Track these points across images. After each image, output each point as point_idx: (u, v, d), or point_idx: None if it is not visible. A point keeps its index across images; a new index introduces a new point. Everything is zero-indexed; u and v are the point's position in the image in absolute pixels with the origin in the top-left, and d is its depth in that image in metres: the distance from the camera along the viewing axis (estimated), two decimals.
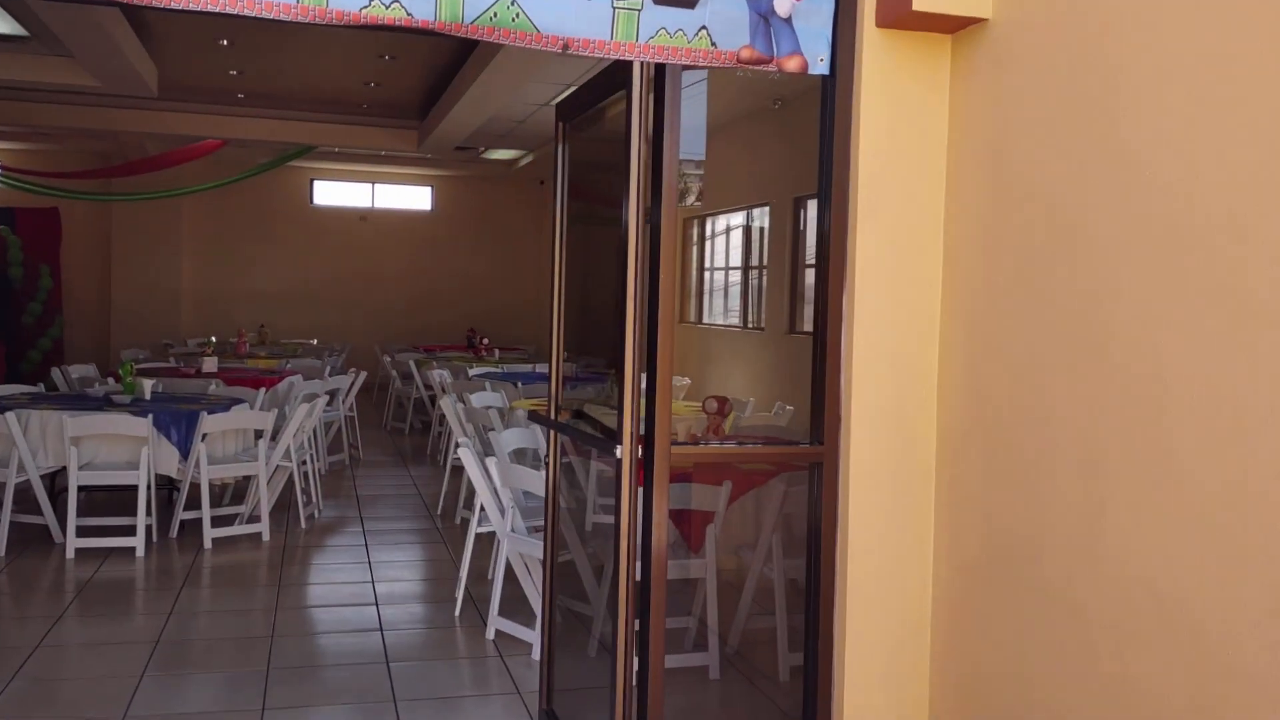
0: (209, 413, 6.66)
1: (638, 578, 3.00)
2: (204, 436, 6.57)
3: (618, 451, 2.98)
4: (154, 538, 6.59)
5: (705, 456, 3.93)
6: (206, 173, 15.94)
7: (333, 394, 9.43)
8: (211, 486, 6.67)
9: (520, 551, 4.90)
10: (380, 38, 10.20)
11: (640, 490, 2.99)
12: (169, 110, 13.05)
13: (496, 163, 16.37)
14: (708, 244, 12.46)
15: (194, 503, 6.70)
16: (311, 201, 17.15)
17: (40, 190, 14.53)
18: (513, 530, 4.89)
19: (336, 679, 4.40)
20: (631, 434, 2.99)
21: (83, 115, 12.75)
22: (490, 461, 4.93)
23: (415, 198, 17.67)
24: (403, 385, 12.48)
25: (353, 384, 9.70)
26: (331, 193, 17.29)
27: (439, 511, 7.75)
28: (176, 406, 6.84)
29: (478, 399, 8.23)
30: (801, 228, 9.88)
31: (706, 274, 12.45)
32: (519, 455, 6.18)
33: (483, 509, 5.13)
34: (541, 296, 17.86)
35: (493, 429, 6.80)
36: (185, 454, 6.63)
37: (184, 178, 15.86)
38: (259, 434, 7.13)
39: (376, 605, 5.44)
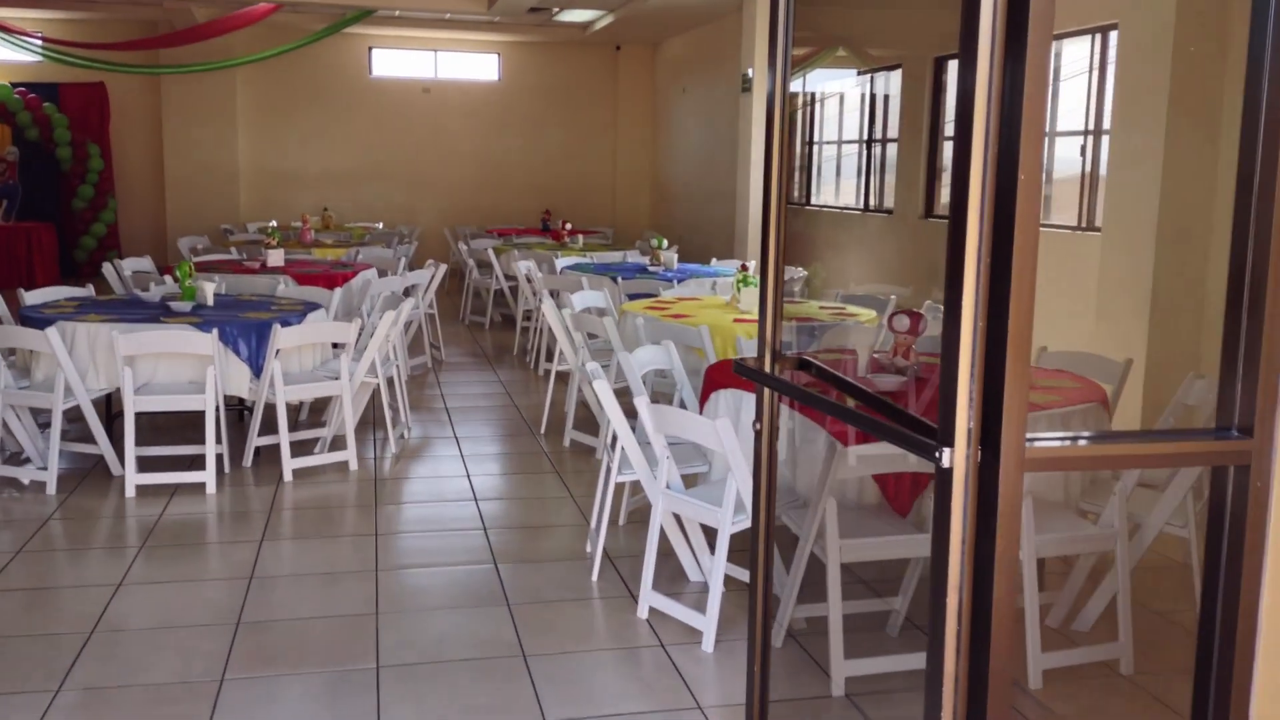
0: (282, 324, 5.70)
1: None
2: (277, 352, 5.62)
3: (944, 458, 1.92)
4: (226, 468, 5.72)
5: (1083, 460, 2.60)
6: (259, 41, 14.75)
7: (409, 289, 8.44)
8: (288, 407, 5.75)
9: (687, 515, 3.92)
10: None
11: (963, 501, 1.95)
12: None
13: (570, 26, 14.98)
14: (816, 112, 11.14)
15: (269, 426, 5.81)
16: (370, 72, 15.92)
17: (84, 63, 13.47)
18: (670, 488, 3.90)
19: (454, 676, 3.48)
20: (969, 430, 1.92)
21: None
22: (641, 405, 3.90)
23: (481, 67, 16.36)
24: (480, 275, 11.47)
25: (432, 279, 8.70)
26: (392, 62, 16.04)
27: (542, 430, 6.80)
28: (244, 316, 5.89)
29: (579, 299, 7.20)
30: (942, 94, 8.56)
31: (815, 148, 11.16)
32: (646, 381, 5.17)
33: (617, 448, 4.15)
34: (620, 174, 16.64)
35: (603, 341, 5.80)
36: (257, 372, 5.70)
37: (235, 48, 14.70)
38: (337, 345, 6.19)
39: (495, 564, 4.52)
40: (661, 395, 5.95)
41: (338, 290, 7.17)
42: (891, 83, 9.44)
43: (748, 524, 3.74)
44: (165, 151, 14.99)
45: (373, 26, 14.84)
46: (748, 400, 4.13)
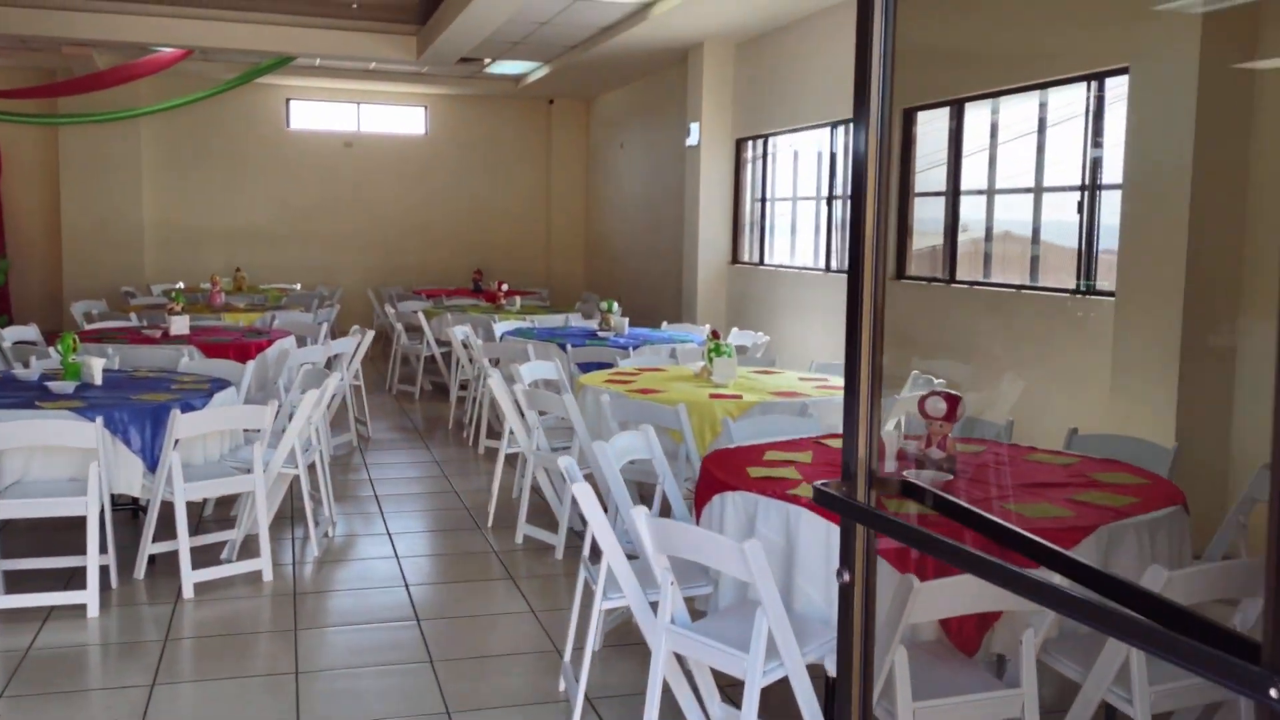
0: (183, 407, 4.80)
1: None
2: (177, 443, 4.72)
3: None
4: (113, 582, 4.76)
5: None
6: (167, 90, 13.80)
7: (332, 359, 7.56)
8: (189, 506, 4.83)
9: (698, 659, 3.12)
10: None
11: None
12: (118, 12, 10.91)
13: (502, 79, 14.33)
14: (767, 168, 10.56)
15: (166, 530, 4.87)
16: (288, 125, 15.03)
17: None
18: (675, 622, 3.10)
19: None
20: None
21: (12, 18, 10.60)
22: (638, 518, 3.11)
23: (407, 120, 15.58)
24: (409, 340, 10.59)
25: (357, 347, 7.82)
26: (311, 115, 15.17)
27: (489, 523, 5.95)
28: (138, 398, 4.97)
29: (526, 371, 6.40)
30: (913, 147, 8.00)
31: (766, 205, 10.56)
32: (626, 471, 4.39)
33: (601, 566, 3.35)
34: (554, 232, 15.92)
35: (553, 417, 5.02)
36: (152, 466, 4.79)
37: (141, 97, 13.73)
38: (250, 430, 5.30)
39: (447, 714, 3.66)
40: (631, 486, 5.16)
41: (250, 363, 6.27)
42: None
43: (783, 673, 2.95)
44: (63, 207, 13.87)
45: (291, 77, 14.01)
46: (765, 507, 3.36)
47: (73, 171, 13.84)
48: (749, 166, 10.87)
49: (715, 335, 6.13)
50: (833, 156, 9.22)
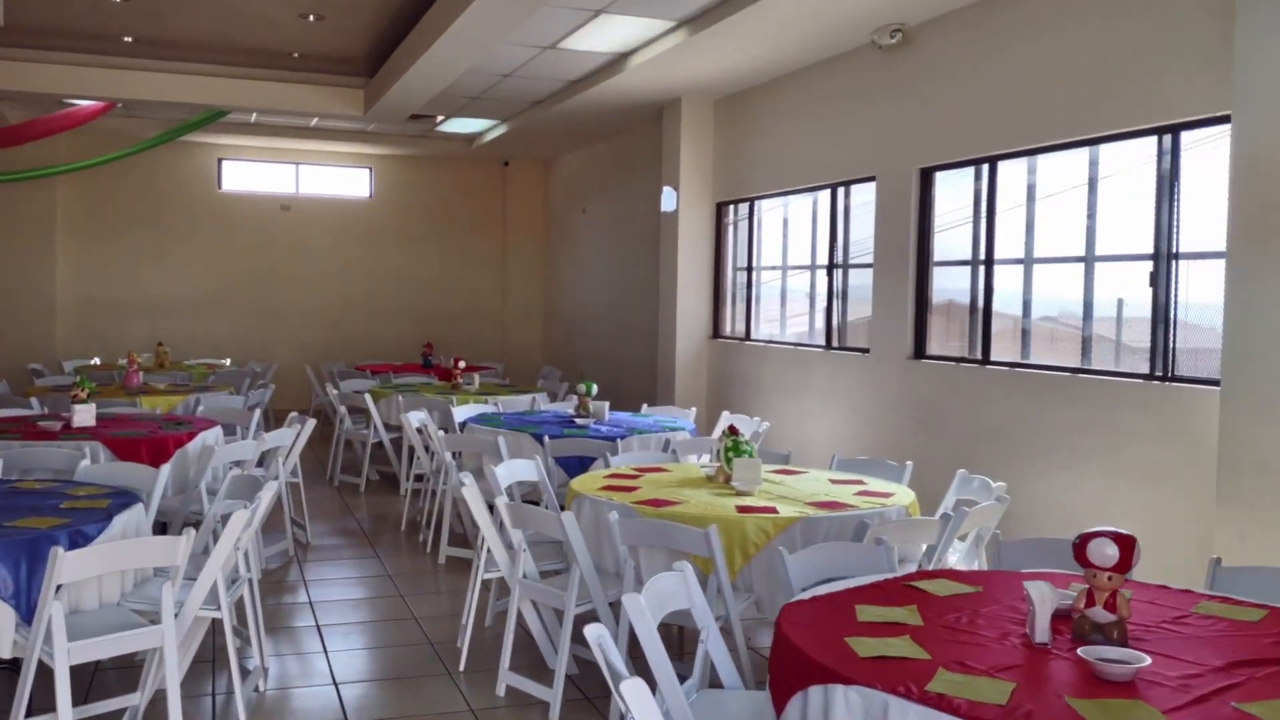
0: (70, 540, 3.66)
1: None
2: (59, 588, 3.57)
3: None
4: None
5: None
6: (86, 147, 12.65)
7: (265, 455, 6.41)
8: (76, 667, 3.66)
9: None
10: None
11: None
12: (31, 60, 9.81)
13: (454, 138, 13.40)
14: (752, 234, 9.67)
15: (44, 697, 3.70)
16: (220, 186, 13.90)
17: None
18: None
19: None
20: None
21: None
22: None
23: (351, 182, 14.54)
24: (353, 424, 9.46)
25: (295, 440, 6.69)
26: (245, 176, 14.07)
27: (462, 666, 4.83)
28: (12, 525, 3.83)
29: (503, 472, 5.33)
30: (931, 210, 7.16)
31: (752, 274, 9.65)
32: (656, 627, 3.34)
33: None
34: (510, 302, 14.89)
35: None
36: (28, 616, 3.64)
37: (58, 153, 12.56)
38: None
39: None
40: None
41: (165, 468, 5.12)
42: (859, 197, 8.05)
43: None
44: None
45: (223, 134, 12.93)
46: (904, 713, 2.33)
47: None
48: (731, 232, 9.99)
49: (734, 431, 5.13)
50: (833, 221, 8.35)
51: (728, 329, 10.00)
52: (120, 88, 10.09)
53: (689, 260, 9.93)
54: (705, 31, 7.47)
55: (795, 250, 9.07)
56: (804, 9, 6.85)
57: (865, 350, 7.72)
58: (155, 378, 9.96)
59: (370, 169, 14.49)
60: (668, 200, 10.09)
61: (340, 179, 14.46)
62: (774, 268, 9.35)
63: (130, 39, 9.32)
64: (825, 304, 8.39)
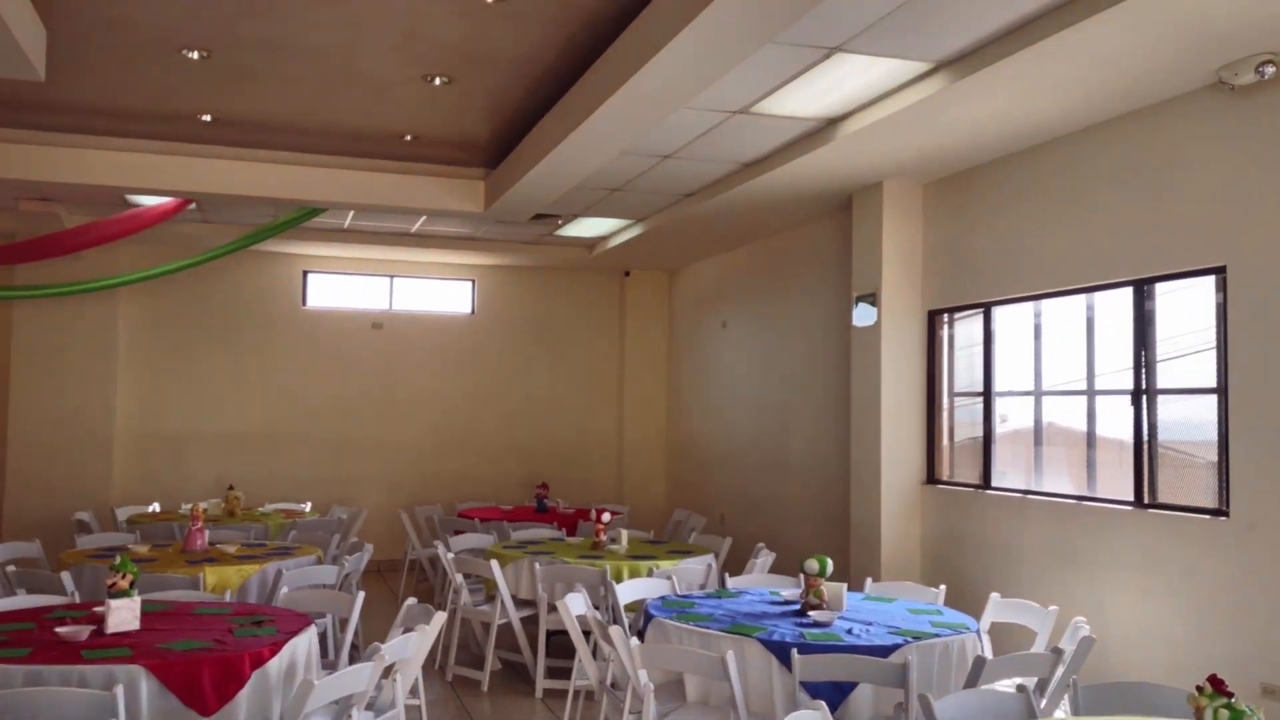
0: None
1: None
2: None
3: None
4: None
5: None
6: (152, 255, 11.01)
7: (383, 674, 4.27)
8: None
9: None
10: (437, 44, 5.45)
11: None
12: (89, 146, 8.15)
13: (571, 244, 11.58)
14: (991, 350, 7.53)
15: None
16: (304, 303, 12.15)
17: None
18: None
19: None
20: None
21: None
22: None
23: (451, 296, 12.73)
24: (471, 594, 7.34)
25: (419, 649, 4.57)
26: (333, 290, 12.33)
27: None
28: None
29: None
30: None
31: (989, 401, 7.46)
32: None
33: None
34: (628, 432, 12.81)
35: None
36: None
37: (119, 262, 10.92)
38: None
39: None
40: None
41: (243, 696, 3.03)
42: (1179, 295, 5.89)
43: None
44: (10, 406, 10.81)
45: (310, 243, 11.23)
46: None
47: (28, 359, 10.84)
48: (947, 348, 7.87)
49: (1218, 684, 2.93)
50: (1140, 329, 6.14)
51: (947, 472, 7.79)
52: (197, 179, 8.39)
53: (894, 385, 7.81)
54: (976, 75, 5.49)
55: (1059, 370, 6.90)
56: (1143, 34, 4.85)
57: (1216, 512, 5.46)
58: (224, 531, 7.98)
59: (473, 281, 12.69)
60: (863, 313, 8.02)
61: (439, 293, 12.67)
62: (1022, 393, 7.16)
63: (210, 117, 7.60)
64: (1132, 443, 6.14)
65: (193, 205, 9.38)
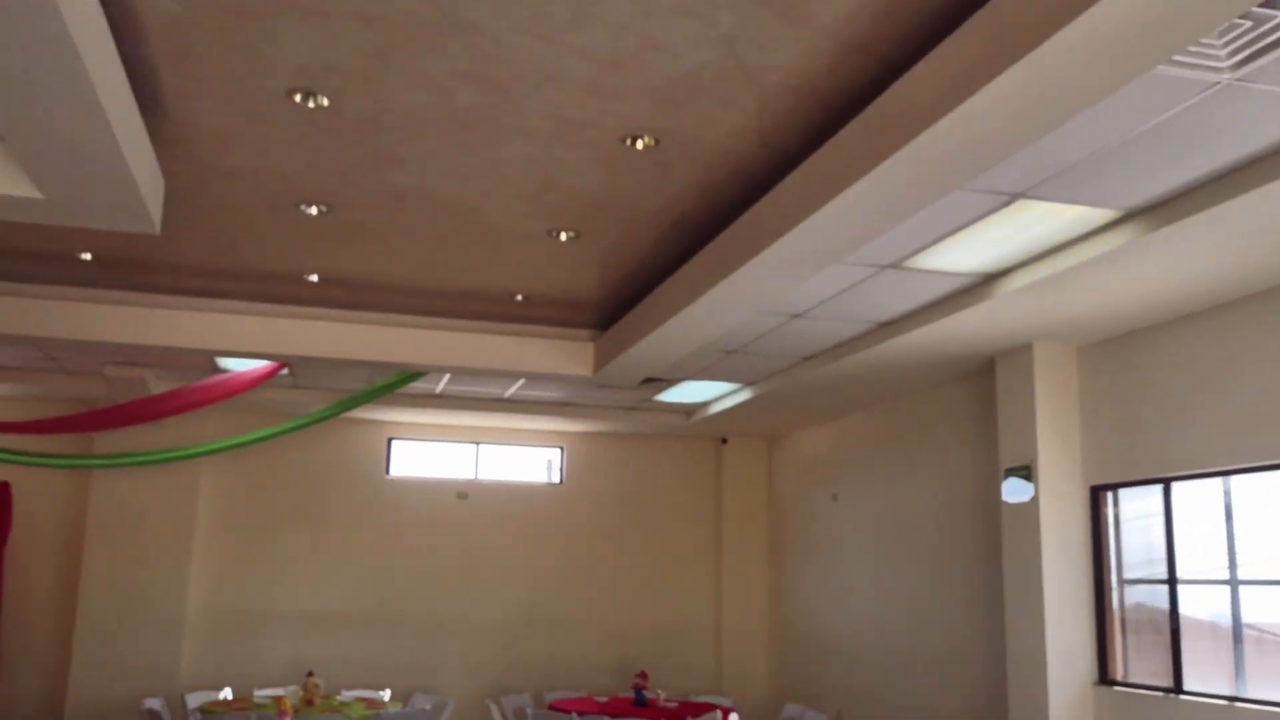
0: None
1: None
2: None
3: None
4: None
5: None
6: (239, 422, 10.60)
7: None
8: None
9: None
10: (572, 194, 5.03)
11: None
12: (182, 308, 7.81)
13: (668, 410, 11.01)
14: (1172, 530, 6.68)
15: None
16: (388, 471, 11.62)
17: None
18: None
19: None
20: None
21: (32, 314, 7.54)
22: None
23: (537, 464, 12.14)
24: None
25: None
26: (418, 458, 11.80)
27: None
28: None
29: None
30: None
31: (1174, 591, 6.57)
32: None
33: None
34: (727, 614, 11.92)
35: None
36: None
37: (204, 429, 10.52)
38: None
39: None
40: None
41: None
42: None
43: None
44: (82, 581, 10.24)
45: (396, 409, 10.75)
46: None
47: (102, 532, 10.33)
48: (1112, 529, 7.05)
49: None
50: None
51: (1122, 670, 6.85)
52: (295, 342, 7.98)
53: (1057, 568, 6.97)
54: (1169, 227, 4.92)
55: (1259, 556, 6.04)
56: None
57: None
58: None
59: (561, 448, 12.10)
60: (1016, 488, 7.26)
61: (526, 460, 12.09)
62: (1215, 581, 6.29)
63: (316, 277, 7.23)
64: None
65: (285, 370, 8.98)
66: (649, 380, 9.19)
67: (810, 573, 11.03)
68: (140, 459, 9.68)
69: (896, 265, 6.00)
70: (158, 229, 5.06)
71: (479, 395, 10.45)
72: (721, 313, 6.49)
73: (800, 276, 5.71)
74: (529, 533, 11.78)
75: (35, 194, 4.63)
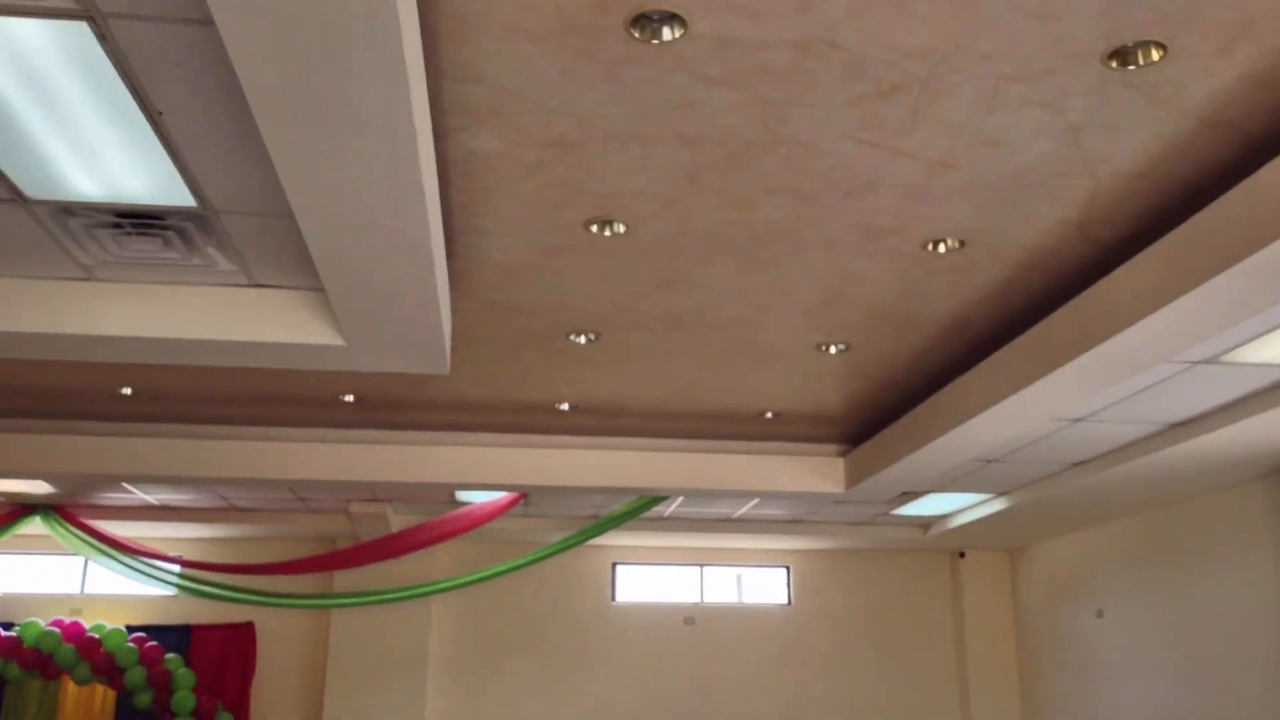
0: None
1: None
2: None
3: None
4: None
5: None
6: (472, 555, 10.56)
7: None
8: None
9: None
10: (856, 305, 4.78)
11: None
12: (425, 442, 7.84)
13: (904, 524, 10.46)
14: None
15: None
16: (613, 598, 11.36)
17: (229, 595, 9.32)
18: None
19: None
20: None
21: (291, 461, 7.68)
22: None
23: (765, 585, 11.69)
24: None
25: None
26: (642, 583, 11.53)
27: None
28: None
29: None
30: None
31: None
32: None
33: None
34: None
35: None
36: None
37: (436, 565, 10.50)
38: None
39: None
40: None
41: None
42: None
43: None
44: (325, 717, 10.26)
45: (623, 533, 10.51)
46: None
47: (342, 669, 10.37)
48: None
49: None
50: None
51: None
52: (535, 472, 7.89)
53: None
54: None
55: None
56: None
57: None
58: None
59: (788, 568, 11.63)
60: None
61: (752, 582, 11.66)
62: None
63: (567, 405, 7.14)
64: None
65: (527, 498, 8.91)
66: (906, 494, 8.72)
67: (1074, 697, 10.12)
68: (382, 596, 9.69)
69: (1213, 360, 5.47)
70: (449, 369, 5.02)
71: (707, 516, 10.16)
72: (1008, 425, 6.06)
73: (1113, 384, 5.25)
74: (760, 659, 11.26)
75: (338, 341, 4.64)
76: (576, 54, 3.23)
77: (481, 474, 7.94)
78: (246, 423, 7.60)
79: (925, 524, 10.56)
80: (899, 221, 4.40)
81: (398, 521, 9.65)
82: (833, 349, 5.98)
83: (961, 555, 11.52)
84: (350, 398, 6.94)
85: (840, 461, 8.05)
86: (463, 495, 9.00)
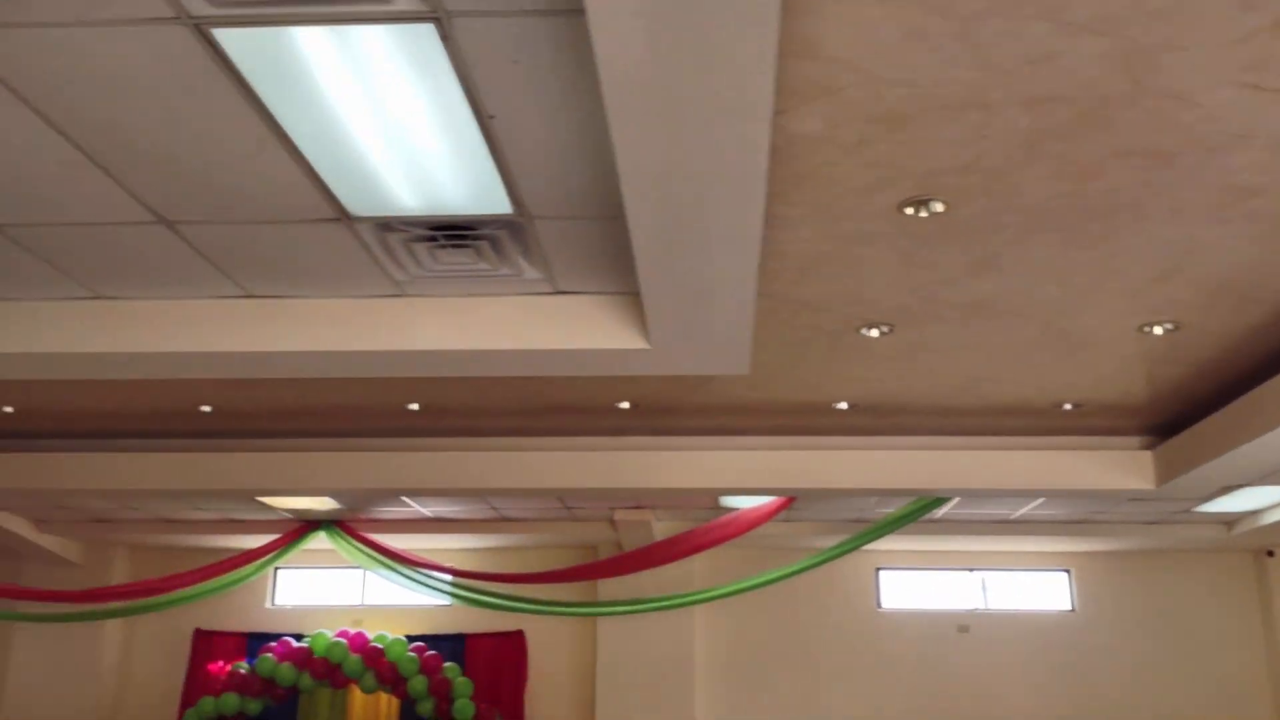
0: None
1: None
2: None
3: None
4: None
5: None
6: (730, 558, 10.34)
7: None
8: None
9: None
10: (1195, 279, 4.23)
11: None
12: (692, 448, 7.68)
13: (1204, 521, 9.55)
14: None
15: None
16: (879, 604, 10.93)
17: (502, 604, 9.49)
18: None
19: None
20: None
21: (568, 470, 7.69)
22: None
23: (1045, 591, 10.97)
24: None
25: None
26: (909, 588, 11.04)
27: None
28: None
29: None
30: None
31: None
32: None
33: None
34: None
35: None
36: None
37: (694, 573, 10.35)
38: None
39: None
40: None
41: None
42: None
43: None
44: None
45: (886, 536, 10.06)
46: None
47: (611, 676, 10.38)
48: None
49: None
50: None
51: None
52: (805, 475, 7.60)
53: None
54: None
55: None
56: None
57: None
58: None
59: (1068, 571, 10.88)
60: None
61: (1029, 586, 10.96)
62: None
63: (845, 404, 6.82)
64: None
65: (795, 502, 8.64)
66: (1228, 488, 7.91)
67: None
68: (651, 605, 9.61)
69: None
70: (748, 369, 4.81)
71: (983, 518, 9.58)
72: None
73: None
74: (1041, 669, 10.56)
75: (642, 345, 4.51)
76: (928, 10, 2.93)
77: (751, 478, 7.73)
78: (518, 434, 7.66)
79: (1230, 521, 9.62)
80: (1267, 179, 3.87)
81: (660, 529, 9.57)
82: (1158, 329, 5.41)
83: (1269, 554, 10.45)
84: (626, 404, 6.86)
85: (1147, 455, 7.36)
86: (727, 500, 8.81)
